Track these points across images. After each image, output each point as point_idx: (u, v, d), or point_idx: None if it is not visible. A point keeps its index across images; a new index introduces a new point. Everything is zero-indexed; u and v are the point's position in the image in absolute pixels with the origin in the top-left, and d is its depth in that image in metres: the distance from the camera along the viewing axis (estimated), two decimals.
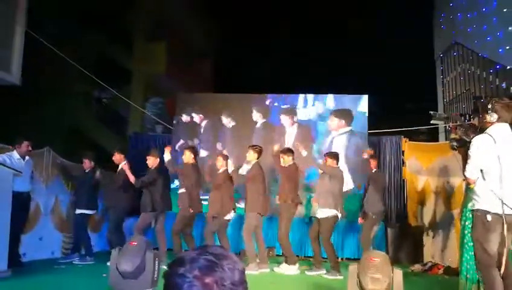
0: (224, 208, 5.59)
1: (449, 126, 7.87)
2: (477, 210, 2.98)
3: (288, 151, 5.82)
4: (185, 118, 8.12)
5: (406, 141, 7.51)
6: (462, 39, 9.03)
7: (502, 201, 2.83)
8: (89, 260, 5.87)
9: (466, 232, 3.82)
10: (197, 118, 8.08)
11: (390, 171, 7.55)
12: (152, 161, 5.77)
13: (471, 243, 3.71)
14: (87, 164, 6.13)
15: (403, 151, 7.48)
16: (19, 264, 5.20)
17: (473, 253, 3.62)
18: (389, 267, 3.13)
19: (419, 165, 6.98)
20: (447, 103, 9.20)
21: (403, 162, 7.46)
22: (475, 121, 6.63)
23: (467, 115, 7.19)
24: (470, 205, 3.86)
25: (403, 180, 7.45)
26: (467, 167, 3.05)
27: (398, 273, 3.12)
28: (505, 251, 2.88)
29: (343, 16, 11.96)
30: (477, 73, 8.12)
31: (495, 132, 2.99)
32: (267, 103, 8.01)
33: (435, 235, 6.35)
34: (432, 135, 9.47)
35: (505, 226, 2.83)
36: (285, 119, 7.82)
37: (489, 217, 2.88)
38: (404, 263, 6.39)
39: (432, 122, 7.13)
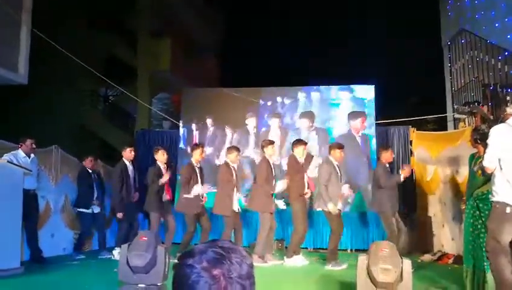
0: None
1: (455, 117, 7.78)
2: (497, 202, 2.99)
3: (298, 142, 5.85)
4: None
5: (413, 131, 7.45)
6: (470, 26, 8.89)
7: None
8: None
9: (472, 221, 3.80)
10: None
11: (398, 161, 7.51)
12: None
13: (477, 231, 3.70)
14: (92, 162, 6.20)
15: (411, 141, 7.43)
16: (42, 260, 5.31)
17: (479, 241, 3.61)
18: (398, 258, 3.13)
19: (428, 155, 6.93)
20: (455, 92, 9.08)
21: (411, 152, 7.42)
22: (484, 109, 6.56)
23: (476, 103, 7.10)
24: (476, 192, 3.84)
25: (411, 170, 7.41)
26: (485, 155, 3.08)
27: (407, 263, 3.12)
28: None
29: (348, 6, 11.87)
30: (485, 60, 8.00)
31: None
32: (277, 98, 7.96)
33: (445, 225, 6.31)
34: (440, 124, 9.38)
35: None
36: (303, 123, 7.73)
37: (508, 209, 2.90)
38: (413, 253, 6.37)
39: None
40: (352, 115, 7.52)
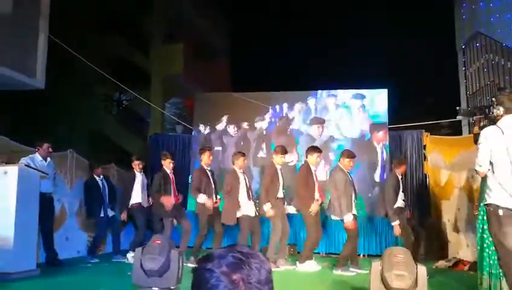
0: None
1: (473, 119, 7.68)
2: (490, 205, 2.94)
3: (312, 149, 5.85)
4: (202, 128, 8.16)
5: (427, 136, 7.38)
6: (485, 29, 8.79)
7: None
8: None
9: (485, 227, 3.74)
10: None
11: (411, 166, 7.44)
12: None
13: (491, 238, 3.64)
14: (100, 170, 6.32)
15: (425, 146, 7.36)
16: (57, 262, 5.40)
17: (493, 248, 3.55)
18: (412, 264, 3.09)
19: (442, 160, 6.84)
20: (470, 96, 8.97)
21: (425, 157, 7.34)
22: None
23: (491, 107, 6.99)
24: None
25: (425, 175, 7.33)
26: (476, 159, 3.02)
27: (422, 270, 3.08)
28: None
29: (361, 9, 11.81)
30: (501, 63, 7.90)
31: (504, 123, 2.94)
32: (285, 104, 7.95)
33: (460, 231, 6.22)
34: (455, 129, 9.26)
35: None
36: (314, 129, 7.71)
37: (501, 212, 2.85)
38: (428, 259, 6.28)
39: (458, 118, 6.95)
40: (375, 127, 7.47)
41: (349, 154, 5.59)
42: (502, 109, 2.96)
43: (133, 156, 6.58)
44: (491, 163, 2.94)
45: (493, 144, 2.91)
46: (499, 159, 2.89)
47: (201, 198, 5.67)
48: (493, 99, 3.03)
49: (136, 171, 6.32)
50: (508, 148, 2.85)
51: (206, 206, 5.67)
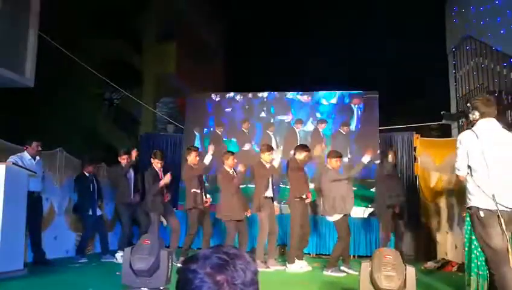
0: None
1: (462, 122, 7.77)
2: (471, 208, 3.00)
3: (301, 147, 5.85)
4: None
5: (417, 137, 7.44)
6: (475, 33, 8.87)
7: (493, 197, 2.82)
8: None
9: (473, 229, 3.80)
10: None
11: (402, 167, 7.50)
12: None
13: (478, 240, 3.69)
14: (91, 168, 6.24)
15: (415, 148, 7.42)
16: (45, 262, 5.34)
17: (481, 250, 3.59)
18: (402, 265, 3.12)
19: (431, 162, 6.90)
20: (460, 98, 9.06)
21: (415, 159, 7.40)
22: None
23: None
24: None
25: (415, 176, 7.39)
26: (455, 164, 3.07)
27: (411, 271, 3.10)
28: (509, 246, 2.87)
29: (353, 11, 11.88)
30: (490, 67, 7.97)
31: (479, 127, 3.01)
32: (279, 102, 7.98)
33: (448, 232, 6.28)
34: (445, 131, 9.35)
35: (502, 221, 2.81)
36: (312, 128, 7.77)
37: (481, 214, 2.90)
38: (416, 260, 6.33)
39: (443, 121, 7.06)
40: (365, 119, 7.58)
41: (336, 154, 5.60)
42: (477, 114, 3.03)
43: (121, 151, 6.39)
44: (469, 167, 3.00)
45: (469, 148, 2.98)
46: (475, 163, 2.96)
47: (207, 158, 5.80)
48: (468, 104, 3.08)
49: (124, 166, 6.20)
50: (483, 152, 2.91)
51: (198, 197, 5.69)
